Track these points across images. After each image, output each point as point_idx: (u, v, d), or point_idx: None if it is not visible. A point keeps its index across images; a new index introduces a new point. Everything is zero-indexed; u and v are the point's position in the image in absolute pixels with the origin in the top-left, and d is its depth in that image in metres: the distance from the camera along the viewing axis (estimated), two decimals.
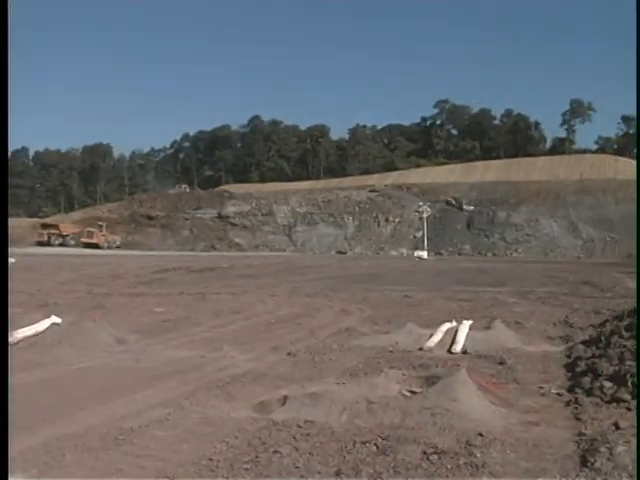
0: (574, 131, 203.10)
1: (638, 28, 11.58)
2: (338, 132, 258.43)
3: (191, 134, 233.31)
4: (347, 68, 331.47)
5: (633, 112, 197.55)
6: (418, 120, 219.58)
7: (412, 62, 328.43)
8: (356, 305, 25.39)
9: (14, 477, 6.97)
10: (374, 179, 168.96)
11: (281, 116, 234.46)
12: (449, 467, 7.35)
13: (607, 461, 7.32)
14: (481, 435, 8.28)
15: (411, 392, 9.99)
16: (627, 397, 10.04)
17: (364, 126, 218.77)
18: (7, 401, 7.96)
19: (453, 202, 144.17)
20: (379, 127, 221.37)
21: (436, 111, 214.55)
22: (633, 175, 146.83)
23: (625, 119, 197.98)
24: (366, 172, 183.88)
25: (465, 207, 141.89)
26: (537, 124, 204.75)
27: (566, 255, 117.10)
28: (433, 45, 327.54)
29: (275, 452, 7.81)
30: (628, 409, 9.67)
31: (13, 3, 9.72)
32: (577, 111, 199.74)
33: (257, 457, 7.66)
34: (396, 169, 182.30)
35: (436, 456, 7.61)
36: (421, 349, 14.81)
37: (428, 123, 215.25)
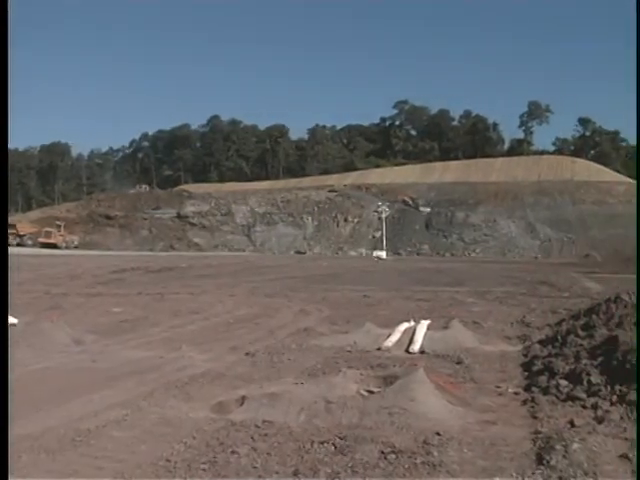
0: (532, 132, 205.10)
1: (638, 28, 11.68)
2: (297, 132, 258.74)
3: (150, 133, 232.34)
4: (307, 68, 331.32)
5: (589, 114, 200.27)
6: (377, 121, 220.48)
7: (371, 62, 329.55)
8: (315, 305, 25.40)
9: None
10: (333, 179, 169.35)
11: (240, 116, 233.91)
12: (406, 466, 7.37)
13: (562, 459, 7.39)
14: (438, 434, 8.32)
15: (369, 392, 10.01)
16: (582, 395, 10.16)
17: (323, 126, 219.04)
18: (7, 401, 7.99)
19: (410, 202, 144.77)
20: (338, 127, 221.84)
21: (395, 112, 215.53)
22: (590, 176, 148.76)
23: (582, 121, 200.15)
24: (325, 172, 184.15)
25: (422, 208, 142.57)
26: (495, 125, 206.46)
27: (524, 255, 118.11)
28: (392, 46, 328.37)
29: (233, 452, 7.79)
30: (583, 407, 9.77)
31: None
32: (535, 113, 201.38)
33: (215, 457, 7.64)
34: (355, 169, 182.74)
35: (394, 455, 7.63)
36: (379, 349, 14.84)
37: (387, 124, 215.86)
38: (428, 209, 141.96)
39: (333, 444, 8.01)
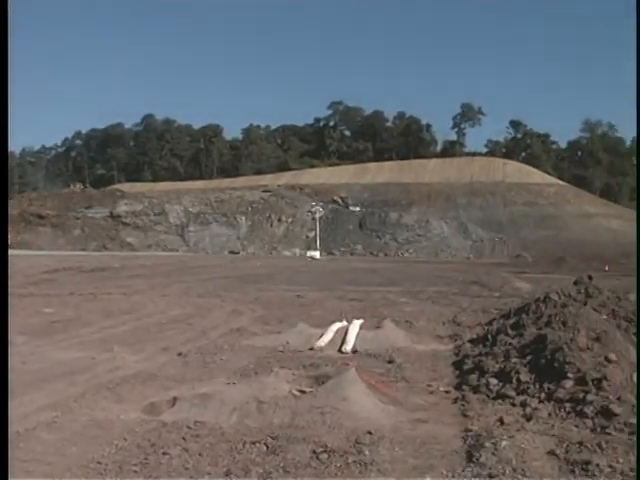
0: (464, 134, 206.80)
1: (638, 28, 11.79)
2: (232, 132, 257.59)
3: (83, 132, 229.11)
4: (241, 68, 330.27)
5: (521, 117, 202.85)
6: (312, 121, 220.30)
7: (306, 63, 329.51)
8: (248, 305, 25.37)
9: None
10: (267, 179, 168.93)
11: (175, 115, 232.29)
12: (338, 465, 7.42)
13: (492, 456, 7.50)
14: (370, 433, 8.38)
15: (301, 391, 10.03)
16: (512, 393, 10.32)
17: (258, 126, 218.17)
18: (7, 401, 7.94)
19: (340, 202, 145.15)
20: (273, 127, 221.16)
21: (329, 112, 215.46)
22: (521, 178, 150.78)
23: (513, 123, 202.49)
24: (259, 172, 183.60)
25: (351, 207, 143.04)
26: (428, 127, 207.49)
27: (456, 255, 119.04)
28: (327, 46, 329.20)
29: (164, 454, 7.76)
30: (513, 405, 9.93)
31: None
32: (467, 115, 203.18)
33: (146, 459, 7.60)
34: (289, 169, 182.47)
35: (325, 455, 7.67)
36: (312, 349, 14.90)
37: (321, 124, 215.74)
38: (357, 208, 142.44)
39: (265, 444, 8.03)
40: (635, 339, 13.35)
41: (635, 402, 9.21)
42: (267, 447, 7.96)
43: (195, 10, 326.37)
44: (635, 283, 21.67)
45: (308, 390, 10.05)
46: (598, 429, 8.59)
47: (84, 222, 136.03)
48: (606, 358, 10.85)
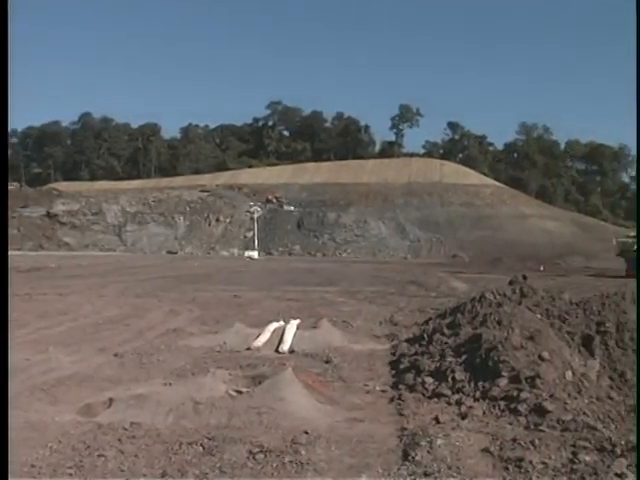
0: (402, 135, 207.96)
1: (638, 28, 11.89)
2: (170, 131, 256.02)
3: (19, 130, 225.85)
4: (179, 66, 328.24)
5: (458, 118, 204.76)
6: (250, 121, 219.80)
7: (245, 63, 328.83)
8: (185, 305, 25.24)
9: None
10: (205, 179, 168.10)
11: (112, 113, 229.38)
12: (275, 466, 7.44)
13: (427, 454, 7.59)
14: (306, 433, 8.41)
15: (238, 392, 10.02)
16: (447, 392, 10.44)
17: (196, 125, 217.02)
18: (7, 401, 7.88)
19: (274, 201, 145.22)
20: (211, 127, 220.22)
21: (268, 112, 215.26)
22: (458, 179, 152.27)
23: (451, 125, 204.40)
24: (197, 172, 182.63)
25: (285, 207, 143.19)
26: (367, 127, 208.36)
27: (394, 255, 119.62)
28: (266, 46, 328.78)
29: (100, 456, 7.70)
30: (448, 403, 10.05)
31: None
32: (406, 116, 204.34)
33: (81, 461, 7.54)
34: (228, 169, 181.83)
35: (262, 455, 7.69)
36: (249, 349, 14.89)
37: (260, 124, 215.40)
38: (292, 207, 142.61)
39: (201, 445, 8.01)
40: (568, 338, 13.57)
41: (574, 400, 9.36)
42: (203, 448, 7.94)
43: (131, 7, 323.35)
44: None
45: (245, 390, 10.04)
46: (531, 426, 8.73)
47: (20, 221, 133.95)
48: (539, 357, 11.03)
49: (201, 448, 7.93)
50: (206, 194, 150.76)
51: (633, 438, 8.21)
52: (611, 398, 10.88)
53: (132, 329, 18.73)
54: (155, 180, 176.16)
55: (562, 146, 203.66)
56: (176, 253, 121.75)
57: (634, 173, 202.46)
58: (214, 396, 9.68)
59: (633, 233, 72.05)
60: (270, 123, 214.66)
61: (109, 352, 14.74)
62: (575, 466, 7.31)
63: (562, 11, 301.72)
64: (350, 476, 7.23)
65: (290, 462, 7.51)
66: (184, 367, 12.86)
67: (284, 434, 8.38)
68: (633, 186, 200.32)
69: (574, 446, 7.84)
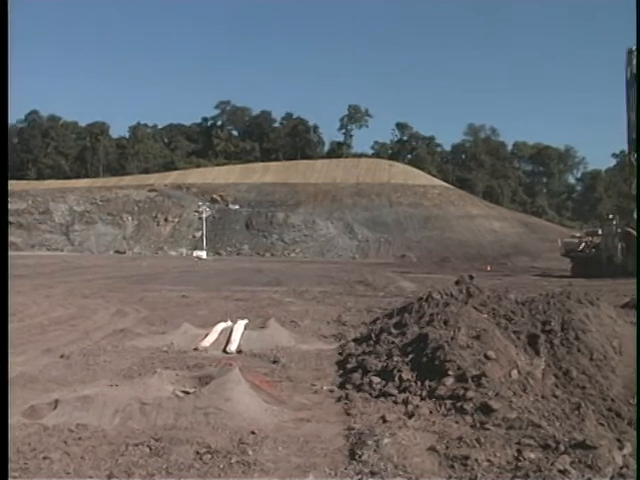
0: (351, 136, 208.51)
1: (638, 28, 11.95)
2: (118, 130, 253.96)
3: None
4: (128, 65, 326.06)
5: (406, 119, 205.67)
6: (199, 120, 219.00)
7: (195, 62, 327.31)
8: (133, 306, 25.10)
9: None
10: (154, 178, 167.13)
11: (60, 112, 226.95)
12: (221, 466, 7.41)
13: (374, 453, 7.60)
14: (253, 433, 8.39)
15: (184, 392, 9.96)
16: (394, 392, 10.47)
17: (145, 125, 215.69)
18: (7, 401, 7.91)
19: (219, 200, 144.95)
20: (160, 126, 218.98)
21: (217, 112, 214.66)
22: (406, 179, 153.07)
23: (399, 126, 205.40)
24: (146, 171, 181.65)
25: (231, 206, 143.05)
26: (316, 128, 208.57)
27: (342, 255, 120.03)
28: (215, 46, 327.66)
29: (45, 458, 7.60)
30: (395, 403, 10.08)
31: None
32: (355, 116, 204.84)
33: (26, 464, 7.43)
34: (176, 169, 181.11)
35: (209, 456, 7.66)
36: (196, 349, 14.84)
37: (209, 123, 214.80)
38: (237, 207, 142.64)
39: (148, 446, 7.95)
40: (514, 337, 13.72)
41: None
42: (150, 449, 7.88)
43: (80, 5, 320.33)
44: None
45: (192, 391, 9.98)
46: (477, 425, 8.79)
47: None
48: (485, 356, 11.13)
49: (148, 449, 7.87)
50: (154, 194, 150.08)
51: (576, 435, 8.33)
52: (556, 396, 11.02)
53: (79, 330, 18.56)
54: (103, 179, 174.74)
55: (509, 147, 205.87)
56: (124, 253, 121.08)
57: (579, 175, 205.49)
58: (161, 397, 9.61)
59: (578, 234, 73.09)
60: (219, 123, 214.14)
61: (55, 353, 14.58)
62: (520, 463, 7.38)
63: (512, 13, 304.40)
64: (297, 476, 7.22)
65: (237, 462, 7.49)
66: (131, 368, 12.77)
67: (231, 434, 8.36)
68: (578, 187, 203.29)
69: (519, 444, 7.91)
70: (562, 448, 7.69)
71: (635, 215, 59.04)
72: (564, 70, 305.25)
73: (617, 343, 14.46)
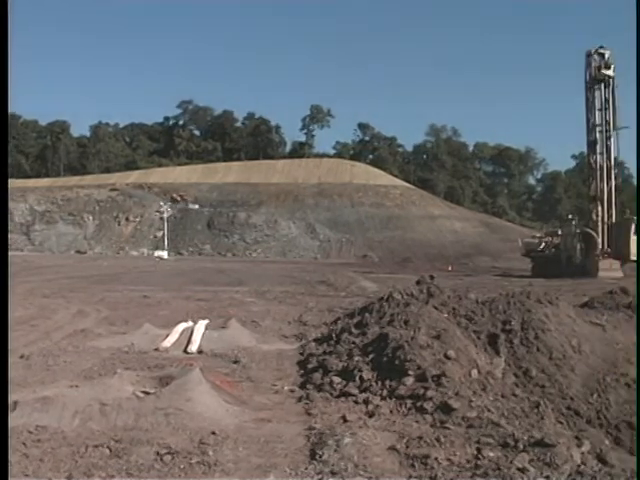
0: (313, 136, 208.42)
1: (638, 28, 11.97)
2: (79, 129, 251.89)
3: None
4: (89, 63, 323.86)
5: (368, 120, 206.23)
6: (161, 120, 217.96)
7: (157, 61, 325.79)
8: (94, 306, 24.95)
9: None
10: (115, 178, 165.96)
11: (20, 110, 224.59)
12: (182, 467, 7.40)
13: (334, 453, 7.62)
14: (214, 434, 8.38)
15: (145, 393, 9.92)
16: (355, 391, 10.51)
17: (106, 124, 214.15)
18: (7, 401, 7.93)
19: (179, 199, 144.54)
20: (121, 125, 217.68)
21: (179, 111, 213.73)
22: (368, 180, 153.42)
23: (361, 126, 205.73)
24: (107, 170, 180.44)
25: (190, 205, 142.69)
26: (278, 128, 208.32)
27: (304, 255, 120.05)
28: (177, 45, 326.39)
29: None
30: (356, 402, 10.11)
31: None
32: (317, 117, 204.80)
33: None
34: (138, 168, 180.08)
35: (169, 456, 7.63)
36: (157, 349, 14.78)
37: (171, 123, 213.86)
38: (196, 206, 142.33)
39: (108, 447, 7.91)
40: (474, 336, 13.82)
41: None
42: (110, 450, 7.84)
43: (43, 2, 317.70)
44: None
45: (152, 391, 9.95)
46: (437, 424, 8.85)
47: None
48: (446, 355, 11.21)
49: (108, 450, 7.83)
50: (116, 193, 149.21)
51: (535, 433, 8.41)
52: (515, 395, 11.11)
53: (39, 330, 18.42)
54: (64, 179, 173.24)
55: (470, 148, 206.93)
56: (85, 253, 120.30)
57: (540, 176, 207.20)
58: (121, 397, 9.56)
59: (539, 234, 73.77)
60: (181, 122, 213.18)
61: (15, 354, 14.42)
62: (479, 462, 7.44)
63: (473, 14, 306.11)
64: (257, 476, 7.23)
65: (197, 463, 7.48)
66: (91, 368, 12.69)
67: (191, 435, 8.34)
68: (539, 188, 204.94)
69: (478, 442, 7.97)
70: (521, 446, 7.76)
71: (590, 217, 59.83)
72: (524, 71, 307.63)
73: (576, 342, 14.63)
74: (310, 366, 12.79)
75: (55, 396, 9.62)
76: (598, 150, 59.23)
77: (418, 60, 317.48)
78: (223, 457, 7.69)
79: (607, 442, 11.26)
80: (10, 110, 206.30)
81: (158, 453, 7.72)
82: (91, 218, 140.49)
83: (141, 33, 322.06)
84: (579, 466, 7.46)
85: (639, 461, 7.72)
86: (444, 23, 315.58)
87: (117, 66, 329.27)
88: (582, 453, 8.12)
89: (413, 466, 7.45)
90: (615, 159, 60.70)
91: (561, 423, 11.01)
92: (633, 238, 56.71)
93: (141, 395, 9.83)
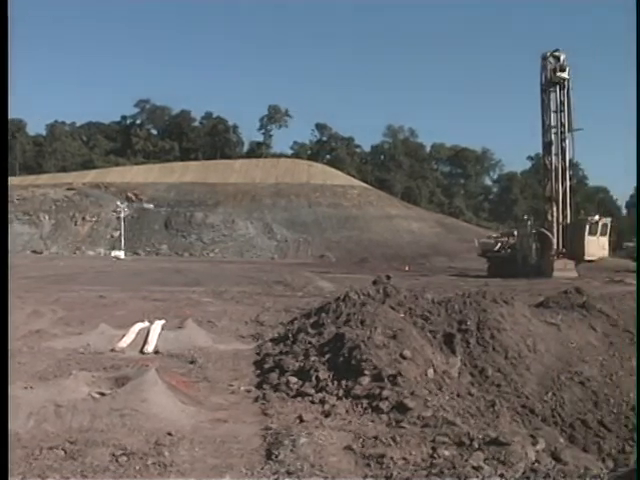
0: (271, 136, 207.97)
1: (638, 28, 11.95)
2: (35, 127, 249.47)
3: None
4: (45, 61, 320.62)
5: (326, 120, 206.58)
6: (118, 119, 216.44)
7: (113, 60, 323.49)
8: (49, 306, 24.69)
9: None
10: (72, 177, 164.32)
11: None
12: (137, 468, 7.39)
13: (290, 453, 7.66)
14: (170, 434, 8.37)
15: (100, 394, 9.87)
16: (311, 391, 10.54)
17: (63, 122, 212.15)
18: (7, 402, 7.86)
19: (134, 199, 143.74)
20: (78, 124, 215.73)
21: (137, 110, 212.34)
22: (325, 180, 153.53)
23: (318, 126, 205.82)
24: (64, 170, 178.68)
25: (145, 205, 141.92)
26: (235, 127, 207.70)
27: (261, 255, 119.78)
28: (134, 44, 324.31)
29: None
30: (312, 402, 10.15)
31: None
32: (274, 117, 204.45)
33: None
34: (94, 167, 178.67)
35: (125, 458, 7.62)
36: (113, 350, 14.71)
37: (128, 122, 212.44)
38: (151, 206, 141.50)
39: (63, 449, 7.87)
40: (430, 336, 13.91)
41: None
42: (65, 452, 7.80)
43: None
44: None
45: (108, 392, 9.90)
46: (393, 423, 8.90)
47: None
48: (401, 355, 11.27)
49: (62, 452, 7.79)
50: (72, 192, 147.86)
51: (490, 432, 8.49)
52: (471, 394, 11.21)
53: None
54: (20, 178, 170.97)
55: (427, 149, 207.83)
56: (41, 253, 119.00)
57: (496, 176, 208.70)
58: (76, 399, 9.50)
59: (495, 234, 74.29)
60: (138, 122, 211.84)
61: None
62: (434, 461, 7.51)
63: (431, 15, 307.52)
64: (213, 477, 7.24)
65: (153, 464, 7.47)
66: (46, 369, 12.61)
67: (147, 436, 8.32)
68: (495, 189, 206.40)
69: (434, 441, 8.04)
70: (476, 445, 7.84)
71: (546, 217, 60.38)
72: (481, 73, 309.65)
73: (531, 341, 14.78)
74: (267, 366, 12.80)
75: (9, 398, 9.54)
76: (553, 151, 59.75)
77: (376, 61, 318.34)
78: (179, 458, 7.69)
79: (562, 440, 11.40)
80: None
81: (113, 454, 7.70)
82: (47, 218, 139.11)
83: (98, 30, 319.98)
84: (533, 464, 7.54)
85: (639, 459, 7.81)
86: (400, 25, 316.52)
87: (74, 64, 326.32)
88: (537, 451, 8.22)
89: (369, 465, 7.50)
90: (570, 160, 61.32)
91: (516, 421, 11.13)
92: (587, 238, 57.49)
93: (97, 396, 9.78)
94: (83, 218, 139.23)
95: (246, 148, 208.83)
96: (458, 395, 10.89)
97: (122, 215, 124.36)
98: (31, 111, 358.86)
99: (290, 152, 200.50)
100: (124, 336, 15.80)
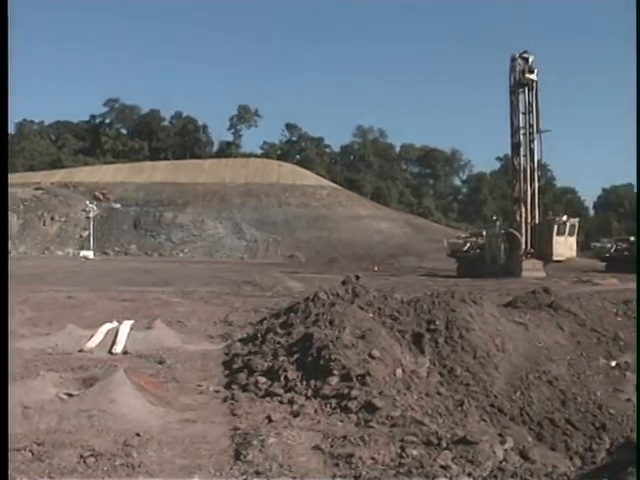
0: (241, 136, 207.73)
1: (638, 28, 11.94)
2: None
3: None
4: (14, 60, 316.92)
5: (295, 120, 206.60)
6: (87, 118, 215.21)
7: (83, 59, 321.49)
8: (17, 306, 24.37)
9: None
10: (40, 176, 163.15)
11: None
12: (105, 469, 7.36)
13: (259, 453, 7.66)
14: (138, 435, 8.35)
15: (68, 395, 9.82)
16: (280, 391, 10.56)
17: (31, 121, 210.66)
18: (7, 402, 7.85)
19: (101, 198, 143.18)
20: (47, 123, 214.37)
21: (106, 109, 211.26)
22: (295, 180, 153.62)
23: (288, 126, 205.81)
24: (32, 169, 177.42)
25: (113, 204, 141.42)
26: (205, 127, 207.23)
27: (230, 255, 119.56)
28: (104, 42, 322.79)
29: None
30: (281, 402, 10.16)
31: None
32: (244, 116, 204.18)
33: None
34: (63, 167, 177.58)
35: (93, 459, 7.59)
36: (81, 350, 14.64)
37: (97, 121, 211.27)
38: (118, 205, 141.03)
39: (30, 450, 7.82)
40: (399, 336, 13.95)
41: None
42: (32, 454, 7.76)
43: None
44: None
45: (75, 393, 9.85)
46: (362, 423, 8.93)
47: None
48: (370, 355, 11.31)
49: (30, 454, 7.75)
50: (41, 192, 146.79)
51: (459, 431, 8.54)
52: (440, 393, 11.27)
53: None
54: None
55: (397, 149, 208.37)
56: (9, 253, 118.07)
57: (465, 177, 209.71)
58: (44, 400, 9.45)
59: (464, 235, 74.68)
60: (107, 121, 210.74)
61: None
62: (403, 460, 7.54)
63: (402, 13, 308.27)
64: (182, 477, 7.23)
65: (121, 465, 7.45)
66: (13, 370, 12.47)
67: (115, 437, 8.30)
68: (464, 189, 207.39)
69: (402, 441, 8.07)
70: (444, 444, 7.88)
71: (514, 217, 60.73)
72: (450, 74, 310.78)
73: (500, 341, 14.86)
74: (235, 366, 12.80)
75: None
76: (522, 152, 60.10)
77: (345, 62, 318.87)
78: (147, 458, 7.67)
79: (530, 439, 11.50)
80: None
81: (81, 455, 7.67)
82: (15, 217, 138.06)
83: (66, 29, 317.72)
84: (501, 462, 7.60)
85: (639, 460, 7.86)
86: (370, 26, 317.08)
87: (42, 62, 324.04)
88: (505, 450, 8.28)
89: (337, 465, 7.52)
90: (538, 161, 61.75)
91: (485, 421, 11.19)
92: (556, 239, 57.92)
93: (64, 397, 9.73)
94: (52, 218, 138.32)
95: (216, 148, 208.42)
96: (427, 394, 10.94)
97: (91, 215, 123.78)
98: None
99: (260, 152, 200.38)
100: (92, 336, 15.73)
